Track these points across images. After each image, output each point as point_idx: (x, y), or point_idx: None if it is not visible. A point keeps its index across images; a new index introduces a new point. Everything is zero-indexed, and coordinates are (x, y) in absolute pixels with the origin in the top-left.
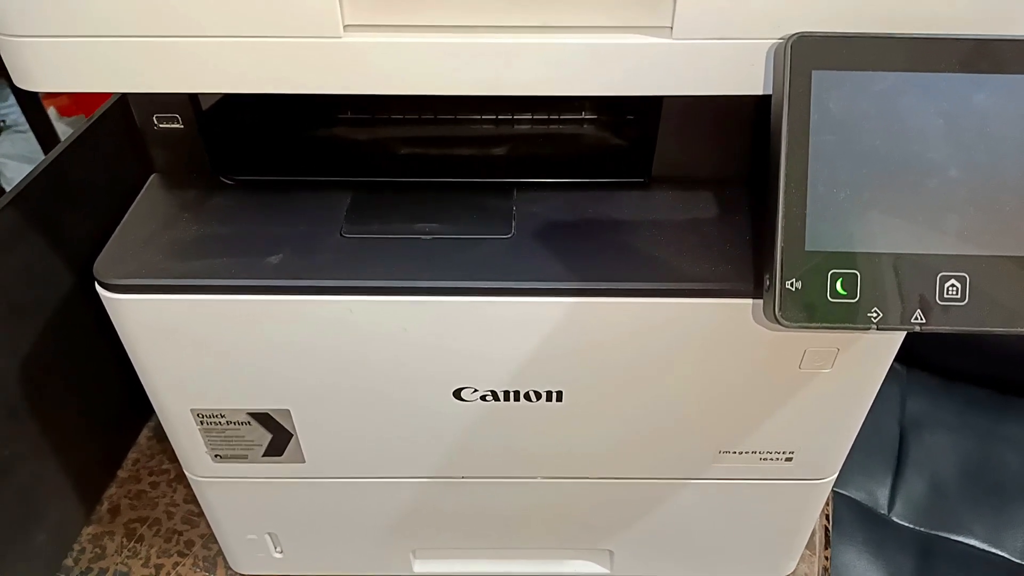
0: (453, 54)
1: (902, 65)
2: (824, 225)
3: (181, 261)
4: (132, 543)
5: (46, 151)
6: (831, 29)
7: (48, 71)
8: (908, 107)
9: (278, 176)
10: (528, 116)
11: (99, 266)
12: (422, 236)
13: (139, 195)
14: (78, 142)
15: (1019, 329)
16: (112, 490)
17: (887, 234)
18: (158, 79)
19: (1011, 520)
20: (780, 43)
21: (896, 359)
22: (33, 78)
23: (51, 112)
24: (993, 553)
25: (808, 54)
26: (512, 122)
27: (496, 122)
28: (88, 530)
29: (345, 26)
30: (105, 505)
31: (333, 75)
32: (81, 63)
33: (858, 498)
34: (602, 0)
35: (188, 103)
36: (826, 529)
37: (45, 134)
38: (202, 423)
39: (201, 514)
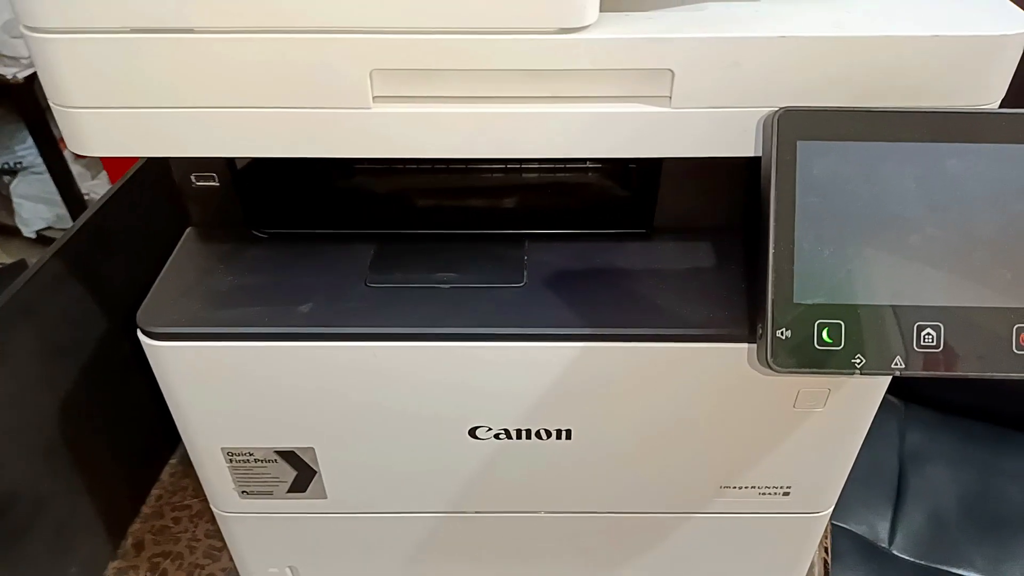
0: (471, 122)
1: (880, 135)
2: (810, 279)
3: (218, 310)
4: None
5: (62, 192)
6: (814, 101)
7: (101, 138)
8: (886, 173)
9: (307, 229)
10: (535, 168)
11: (142, 315)
12: (441, 285)
13: (176, 248)
14: (116, 196)
15: (989, 373)
16: (136, 525)
17: (868, 287)
18: (201, 145)
19: (1012, 553)
20: (768, 115)
21: (894, 394)
22: (87, 145)
23: (67, 154)
24: None
25: (793, 126)
26: (521, 172)
27: (506, 173)
28: (114, 564)
29: (374, 97)
30: (130, 540)
31: (362, 142)
32: (132, 131)
33: (859, 531)
34: (607, 72)
35: (224, 163)
36: (825, 562)
37: (61, 175)
38: (231, 461)
39: (222, 548)
